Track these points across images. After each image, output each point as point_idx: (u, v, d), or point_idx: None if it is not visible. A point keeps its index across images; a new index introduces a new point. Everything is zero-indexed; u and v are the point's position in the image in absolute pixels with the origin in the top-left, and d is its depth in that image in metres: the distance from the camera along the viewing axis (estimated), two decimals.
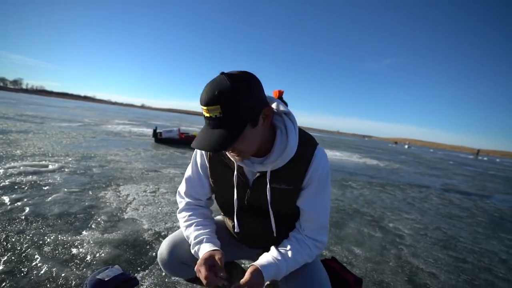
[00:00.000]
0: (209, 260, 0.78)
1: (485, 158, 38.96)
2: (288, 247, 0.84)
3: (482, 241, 2.57)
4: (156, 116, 33.41)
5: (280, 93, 6.87)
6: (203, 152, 0.91)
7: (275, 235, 0.89)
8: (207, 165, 0.91)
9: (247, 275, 0.75)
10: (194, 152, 0.94)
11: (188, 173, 0.97)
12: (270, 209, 0.85)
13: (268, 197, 0.83)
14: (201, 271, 0.76)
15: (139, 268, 1.44)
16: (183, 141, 6.94)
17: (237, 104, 0.66)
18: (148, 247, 1.68)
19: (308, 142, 0.82)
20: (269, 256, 0.82)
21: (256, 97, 0.71)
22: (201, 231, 0.88)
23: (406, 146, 39.41)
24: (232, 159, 0.82)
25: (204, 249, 0.82)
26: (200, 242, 0.85)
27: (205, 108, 0.68)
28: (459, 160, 19.99)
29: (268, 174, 0.81)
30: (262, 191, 0.84)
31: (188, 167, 0.97)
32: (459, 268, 1.93)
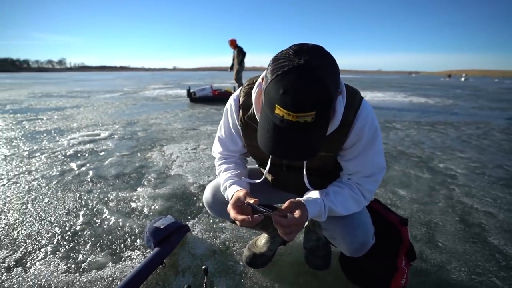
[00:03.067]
0: (237, 201, 0.76)
1: None
2: (334, 188, 0.81)
3: None
4: (188, 76, 33.80)
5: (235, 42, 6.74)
6: (234, 112, 0.86)
7: (309, 187, 0.86)
8: (239, 128, 0.88)
9: (291, 206, 0.72)
10: (225, 110, 0.90)
11: (220, 132, 0.95)
12: (305, 172, 0.81)
13: (305, 165, 0.80)
14: (230, 214, 0.75)
15: (189, 217, 1.60)
16: (217, 98, 6.99)
17: (331, 106, 0.57)
18: (195, 198, 1.83)
19: (350, 104, 0.72)
20: (315, 193, 0.79)
21: (338, 84, 0.61)
22: (228, 175, 0.89)
23: (463, 79, 34.26)
24: None
25: (231, 192, 0.83)
26: (226, 188, 0.87)
27: (292, 114, 0.55)
28: None
29: None
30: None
31: (220, 126, 0.95)
32: None
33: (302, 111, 0.54)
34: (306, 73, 0.54)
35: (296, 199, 0.76)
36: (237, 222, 0.73)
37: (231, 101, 0.88)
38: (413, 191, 1.96)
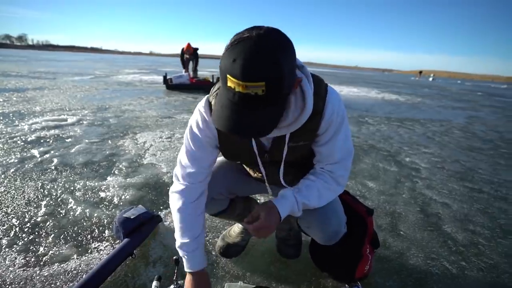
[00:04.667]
0: None
1: None
2: (306, 182, 0.84)
3: (502, 172, 2.52)
4: (166, 62, 32.39)
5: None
6: (206, 115, 0.79)
7: (282, 182, 0.89)
8: (216, 135, 0.81)
9: (261, 213, 0.77)
10: (192, 121, 0.81)
11: (189, 145, 0.82)
12: (283, 164, 0.83)
13: (284, 155, 0.81)
14: None
15: (161, 207, 1.57)
16: (195, 86, 6.81)
17: (284, 78, 0.56)
18: (168, 188, 1.77)
19: (317, 92, 0.73)
20: (287, 192, 0.81)
21: (294, 65, 0.61)
22: (185, 241, 0.83)
23: (431, 79, 36.44)
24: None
25: (188, 269, 0.83)
26: (183, 256, 0.83)
27: (241, 83, 0.54)
28: (490, 91, 18.52)
29: (287, 136, 0.77)
30: (279, 150, 0.81)
31: (187, 139, 0.82)
32: (473, 198, 1.94)
33: (251, 79, 0.54)
34: (257, 44, 0.54)
35: (268, 201, 0.80)
36: None
37: (199, 107, 0.80)
38: (380, 183, 2.08)
